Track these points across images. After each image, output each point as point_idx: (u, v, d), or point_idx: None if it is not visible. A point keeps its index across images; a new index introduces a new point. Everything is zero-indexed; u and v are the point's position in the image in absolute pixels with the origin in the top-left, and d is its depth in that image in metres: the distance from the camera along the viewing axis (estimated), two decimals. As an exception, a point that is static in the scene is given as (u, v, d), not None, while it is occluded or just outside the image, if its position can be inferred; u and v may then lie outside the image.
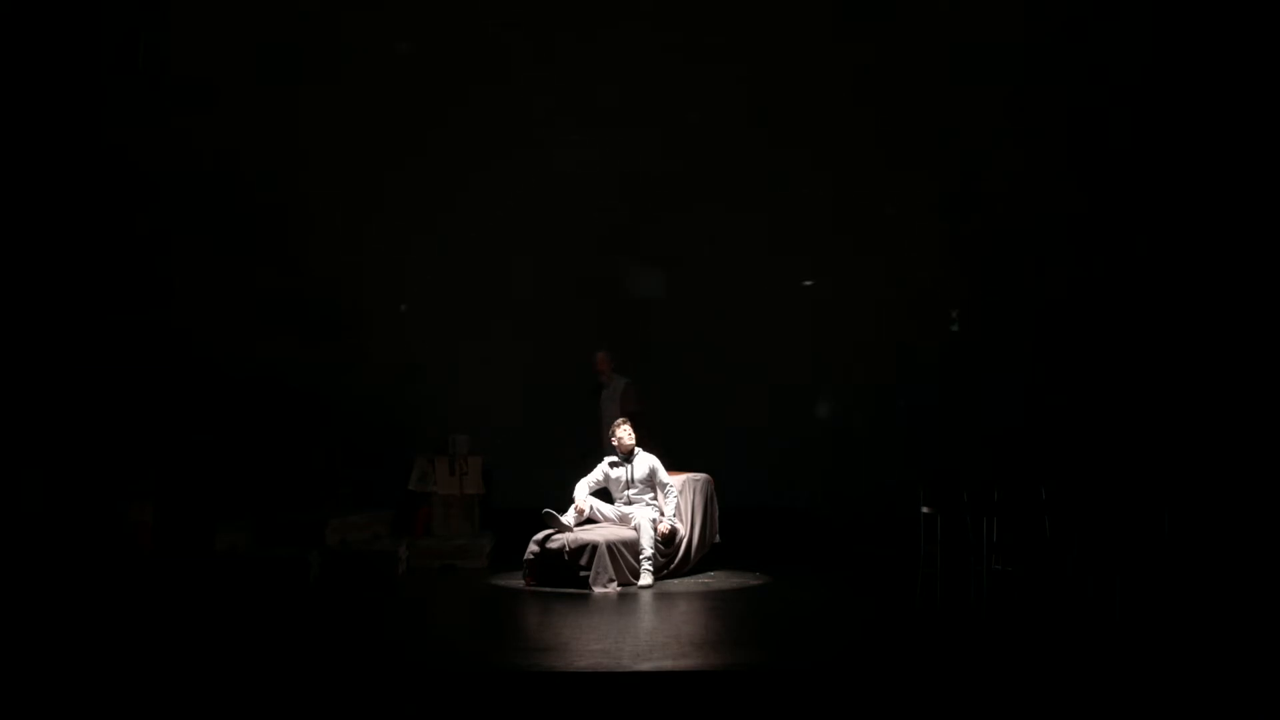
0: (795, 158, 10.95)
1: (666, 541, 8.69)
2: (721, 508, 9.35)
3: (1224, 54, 10.31)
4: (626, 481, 8.83)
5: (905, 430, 10.66)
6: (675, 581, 8.65)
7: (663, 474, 8.84)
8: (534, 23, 10.86)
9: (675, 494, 8.84)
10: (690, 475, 9.25)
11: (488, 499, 10.02)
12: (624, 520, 8.67)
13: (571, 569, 8.36)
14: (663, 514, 8.73)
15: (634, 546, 8.52)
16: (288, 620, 7.35)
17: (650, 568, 8.52)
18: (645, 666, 5.77)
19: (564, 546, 8.41)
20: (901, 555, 8.62)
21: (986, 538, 7.48)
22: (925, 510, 7.78)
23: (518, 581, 8.52)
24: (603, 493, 8.96)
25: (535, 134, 10.87)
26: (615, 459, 8.91)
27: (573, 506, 8.70)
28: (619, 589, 8.28)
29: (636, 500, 8.80)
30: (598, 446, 9.56)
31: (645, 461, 8.85)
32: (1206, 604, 7.12)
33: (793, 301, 10.93)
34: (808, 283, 10.88)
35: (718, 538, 9.26)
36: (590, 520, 8.72)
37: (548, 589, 8.29)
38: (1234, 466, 9.30)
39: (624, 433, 8.86)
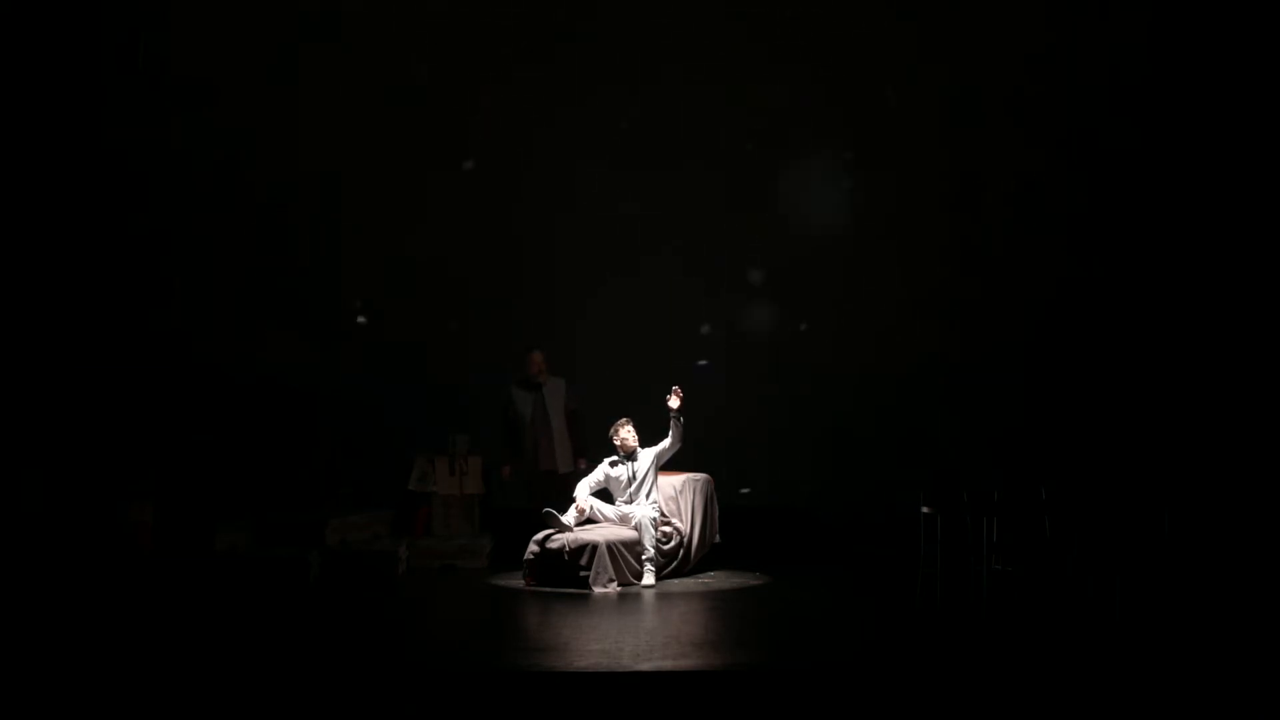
0: (795, 157, 10.94)
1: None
2: (721, 508, 9.35)
3: (1224, 54, 10.31)
4: (628, 481, 8.83)
5: (905, 430, 10.66)
6: (675, 581, 8.65)
7: (657, 446, 8.82)
8: (533, 23, 10.87)
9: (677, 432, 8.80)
10: (690, 475, 9.25)
11: (488, 499, 10.02)
12: (624, 520, 8.67)
13: (571, 569, 8.36)
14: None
15: (634, 546, 8.52)
16: (288, 620, 7.35)
17: (652, 568, 8.52)
18: (645, 666, 5.77)
19: (564, 546, 8.41)
20: (901, 555, 8.62)
21: (986, 538, 7.49)
22: (925, 510, 7.78)
23: (518, 581, 8.52)
24: (604, 493, 8.96)
25: (536, 132, 10.86)
26: (615, 458, 8.91)
27: (573, 506, 8.70)
28: (619, 589, 8.28)
29: (637, 499, 8.80)
30: (520, 451, 9.44)
31: (646, 457, 8.84)
32: (1206, 604, 7.12)
33: (794, 301, 10.92)
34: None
35: (718, 538, 9.26)
36: (590, 520, 8.72)
37: (548, 589, 8.29)
38: (1234, 466, 9.31)
39: (627, 433, 8.85)
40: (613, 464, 8.90)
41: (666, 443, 8.79)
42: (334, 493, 10.18)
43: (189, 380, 10.19)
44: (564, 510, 8.67)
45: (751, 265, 10.91)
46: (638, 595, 8.17)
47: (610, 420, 8.94)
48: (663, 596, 8.12)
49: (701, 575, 8.91)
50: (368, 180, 10.77)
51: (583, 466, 9.25)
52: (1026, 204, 10.78)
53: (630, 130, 10.87)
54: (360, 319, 10.75)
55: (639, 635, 6.68)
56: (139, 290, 10.24)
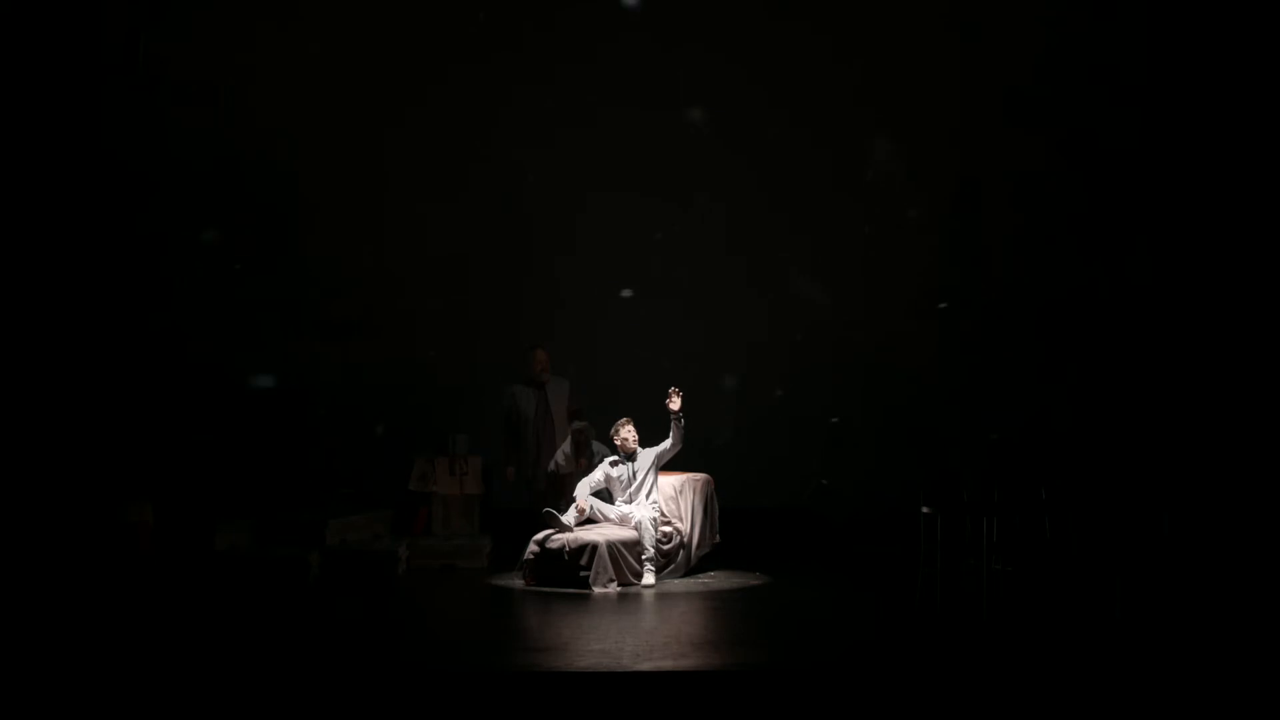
0: (796, 158, 10.95)
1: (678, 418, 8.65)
2: (721, 508, 9.35)
3: (1224, 53, 10.32)
4: (628, 481, 8.83)
5: (905, 430, 10.66)
6: (675, 581, 8.65)
7: (658, 447, 8.83)
8: (534, 23, 10.88)
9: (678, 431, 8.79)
10: (690, 475, 9.25)
11: (488, 499, 10.02)
12: (624, 520, 8.67)
13: (571, 569, 8.36)
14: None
15: (634, 546, 8.52)
16: (288, 620, 7.35)
17: (652, 568, 8.53)
18: (645, 666, 5.77)
19: (564, 546, 8.41)
20: (901, 555, 8.62)
21: (986, 538, 7.48)
22: (925, 510, 7.78)
23: (518, 581, 8.51)
24: (603, 493, 8.96)
25: (538, 131, 10.87)
26: (616, 458, 8.91)
27: (573, 506, 8.70)
28: (619, 589, 8.28)
29: (637, 499, 8.80)
30: (522, 450, 9.44)
31: (646, 457, 8.84)
32: (1206, 604, 7.12)
33: (793, 301, 10.93)
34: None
35: (718, 538, 9.26)
36: (590, 520, 8.72)
37: (548, 589, 8.29)
38: (1234, 467, 9.31)
39: (628, 433, 8.85)
40: (613, 464, 8.90)
41: (667, 444, 8.79)
42: (334, 493, 10.17)
43: (189, 380, 10.19)
44: (564, 510, 8.67)
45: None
46: (638, 595, 8.17)
47: (611, 420, 8.94)
48: (663, 596, 8.12)
49: (701, 575, 8.91)
50: (368, 180, 10.78)
51: (583, 466, 9.25)
52: (1026, 204, 10.79)
53: (632, 131, 10.86)
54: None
55: (639, 635, 6.68)
56: (139, 290, 10.24)
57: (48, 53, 9.62)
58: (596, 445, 9.14)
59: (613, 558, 8.37)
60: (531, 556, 8.48)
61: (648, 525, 8.55)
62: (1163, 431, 10.07)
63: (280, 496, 9.84)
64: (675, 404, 8.65)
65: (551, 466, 9.27)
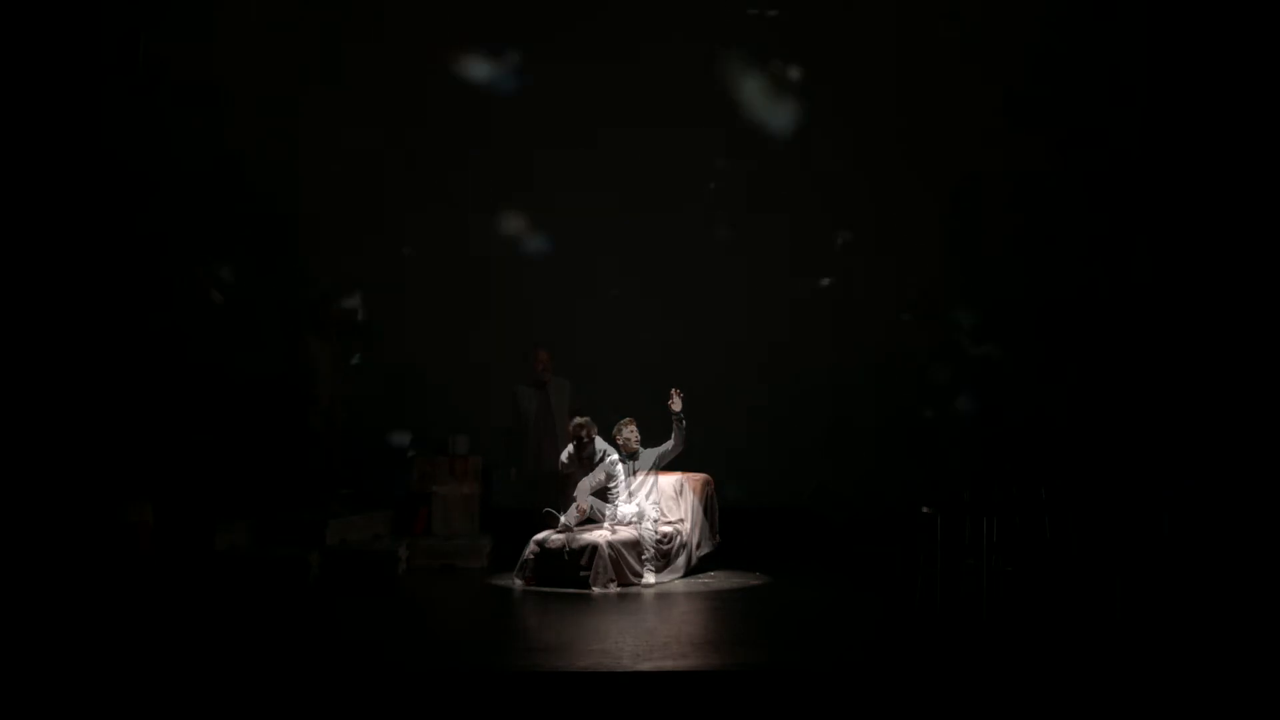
0: (797, 156, 10.95)
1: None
2: (721, 508, 9.35)
3: (1224, 54, 10.32)
4: (629, 480, 8.83)
5: (906, 430, 10.66)
6: (675, 581, 8.65)
7: (659, 448, 8.83)
8: (538, 26, 10.88)
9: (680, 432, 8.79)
10: (690, 475, 9.25)
11: (487, 499, 10.01)
12: (624, 520, 8.67)
13: (571, 569, 8.35)
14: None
15: (634, 546, 8.52)
16: (288, 620, 7.35)
17: (652, 568, 8.53)
18: (645, 666, 5.77)
19: (564, 546, 8.41)
20: (901, 555, 8.62)
21: (986, 538, 7.48)
22: (925, 510, 7.78)
23: (517, 581, 8.51)
24: (604, 493, 8.95)
25: (534, 130, 10.86)
26: (617, 458, 8.90)
27: (574, 506, 8.70)
28: (619, 589, 8.28)
29: (637, 499, 8.79)
30: (524, 449, 9.46)
31: (647, 458, 8.85)
32: (1206, 604, 7.12)
33: (793, 301, 10.93)
34: (825, 282, 10.87)
35: (718, 538, 9.26)
36: (591, 520, 8.72)
37: (548, 589, 8.29)
38: (1234, 467, 9.31)
39: (630, 432, 8.85)
40: (614, 463, 8.90)
41: (669, 445, 8.79)
42: (334, 492, 10.17)
43: (189, 380, 10.18)
44: (564, 510, 8.67)
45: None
46: (638, 595, 8.17)
47: (612, 420, 8.94)
48: (663, 596, 8.12)
49: (701, 575, 8.91)
50: (368, 179, 10.78)
51: (584, 465, 9.24)
52: (1026, 204, 10.79)
53: (635, 132, 10.86)
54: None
55: (639, 635, 6.68)
56: (138, 291, 10.24)
57: (48, 53, 9.62)
58: (598, 444, 9.14)
59: (613, 558, 8.36)
60: (531, 556, 8.48)
61: (648, 525, 8.55)
62: (1163, 431, 10.07)
63: (280, 496, 9.83)
64: (677, 405, 8.65)
65: (557, 467, 9.29)
